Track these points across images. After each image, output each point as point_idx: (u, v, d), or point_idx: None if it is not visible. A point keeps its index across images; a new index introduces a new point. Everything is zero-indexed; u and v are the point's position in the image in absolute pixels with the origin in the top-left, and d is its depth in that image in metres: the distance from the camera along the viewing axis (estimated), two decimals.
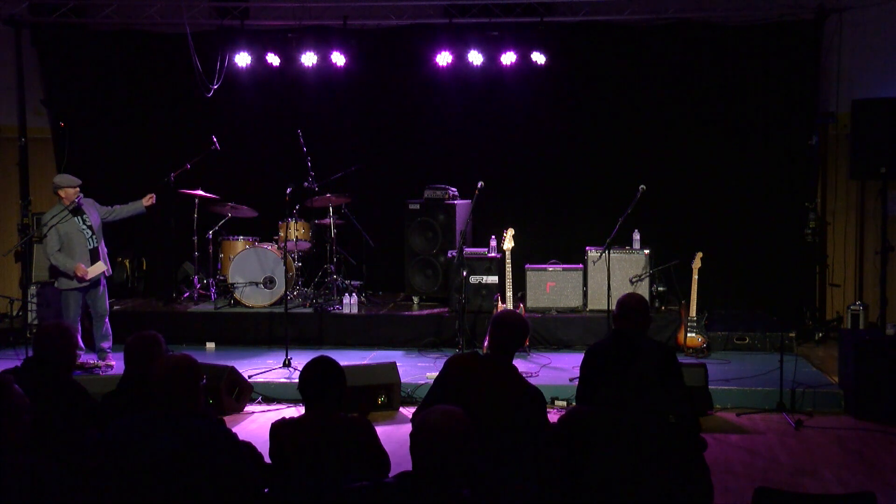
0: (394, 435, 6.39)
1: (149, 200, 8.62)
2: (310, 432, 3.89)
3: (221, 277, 10.18)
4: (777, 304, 10.08)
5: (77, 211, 8.24)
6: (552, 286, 9.64)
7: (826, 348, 9.34)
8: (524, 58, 10.17)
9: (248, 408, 7.59)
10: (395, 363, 7.77)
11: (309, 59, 10.32)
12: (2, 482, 3.25)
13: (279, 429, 3.96)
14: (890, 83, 9.50)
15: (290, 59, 10.42)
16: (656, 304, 9.63)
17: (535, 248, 10.41)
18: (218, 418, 4.16)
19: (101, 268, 8.28)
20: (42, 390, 4.39)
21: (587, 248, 9.66)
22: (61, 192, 8.19)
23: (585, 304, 9.60)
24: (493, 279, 9.51)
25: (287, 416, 4.04)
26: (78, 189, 8.24)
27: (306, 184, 9.92)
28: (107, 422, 4.27)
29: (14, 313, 9.82)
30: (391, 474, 3.34)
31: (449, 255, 9.84)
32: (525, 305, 9.42)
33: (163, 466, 3.67)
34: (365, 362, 8.42)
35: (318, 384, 4.03)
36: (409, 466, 3.26)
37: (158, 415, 3.79)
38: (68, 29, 10.76)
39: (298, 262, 10.14)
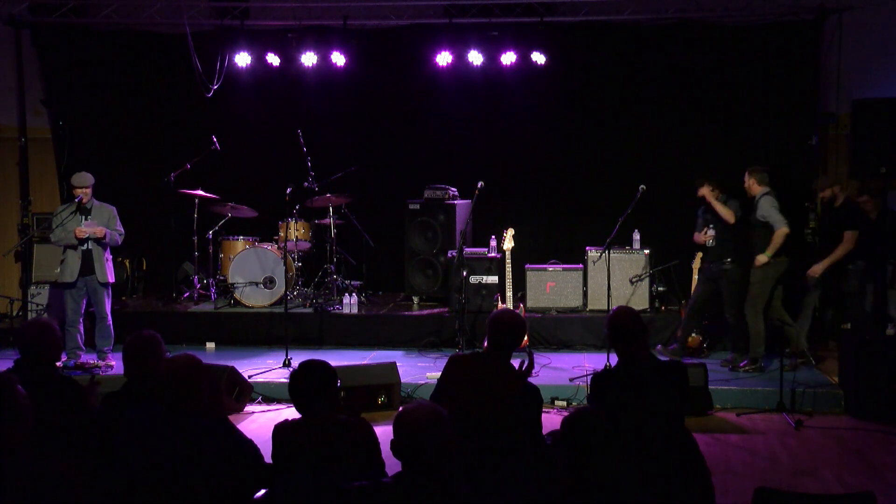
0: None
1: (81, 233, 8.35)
2: (309, 435, 3.88)
3: (221, 277, 10.18)
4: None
5: (82, 210, 8.32)
6: (552, 286, 9.64)
7: (826, 348, 9.33)
8: (524, 58, 10.16)
9: (248, 408, 7.60)
10: (395, 363, 7.78)
11: (309, 59, 10.31)
12: (2, 482, 3.25)
13: (280, 431, 3.95)
14: (890, 83, 9.50)
15: (290, 59, 10.41)
16: (656, 304, 9.64)
17: (535, 248, 10.41)
18: (221, 417, 4.16)
19: (93, 226, 8.32)
20: (37, 388, 4.40)
21: (587, 248, 9.66)
22: (73, 190, 8.37)
23: (585, 304, 9.61)
24: (493, 279, 9.51)
25: (289, 419, 4.02)
26: (85, 189, 8.32)
27: (306, 184, 9.92)
28: (106, 421, 4.28)
29: (14, 313, 9.82)
30: (390, 474, 3.34)
31: (449, 255, 9.83)
32: (525, 305, 9.42)
33: (165, 465, 3.68)
34: (365, 362, 8.43)
35: (308, 390, 3.95)
36: None
37: (162, 413, 3.80)
38: (68, 29, 10.75)
39: (298, 262, 10.14)
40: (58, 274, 8.56)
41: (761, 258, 8.23)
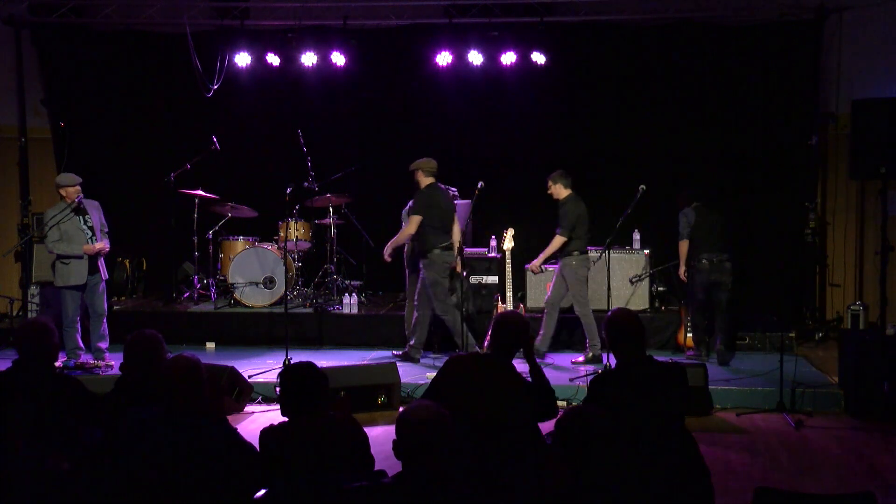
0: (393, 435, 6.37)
1: (91, 251, 8.23)
2: (298, 436, 3.88)
3: (221, 277, 10.18)
4: (777, 304, 10.07)
5: (79, 211, 8.24)
6: (552, 286, 9.61)
7: (826, 348, 9.34)
8: (524, 58, 10.17)
9: (248, 408, 7.59)
10: (395, 363, 7.79)
11: (309, 59, 10.31)
12: (6, 479, 3.26)
13: (267, 435, 3.93)
14: (890, 83, 9.50)
15: (290, 59, 10.41)
16: (656, 304, 9.63)
17: (535, 248, 10.37)
18: (221, 417, 4.16)
19: (103, 242, 8.25)
20: (36, 388, 4.41)
21: (587, 247, 9.63)
22: (62, 191, 8.17)
23: None
24: (493, 279, 9.51)
25: (275, 423, 3.99)
26: (78, 188, 8.21)
27: (306, 184, 9.92)
28: (107, 421, 4.28)
29: (14, 313, 9.82)
30: (391, 474, 3.34)
31: None
32: (525, 305, 9.41)
33: (165, 464, 3.68)
34: (365, 362, 8.42)
35: (300, 393, 3.95)
36: None
37: (161, 413, 3.81)
38: (68, 29, 10.76)
39: (298, 262, 10.14)
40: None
41: None
